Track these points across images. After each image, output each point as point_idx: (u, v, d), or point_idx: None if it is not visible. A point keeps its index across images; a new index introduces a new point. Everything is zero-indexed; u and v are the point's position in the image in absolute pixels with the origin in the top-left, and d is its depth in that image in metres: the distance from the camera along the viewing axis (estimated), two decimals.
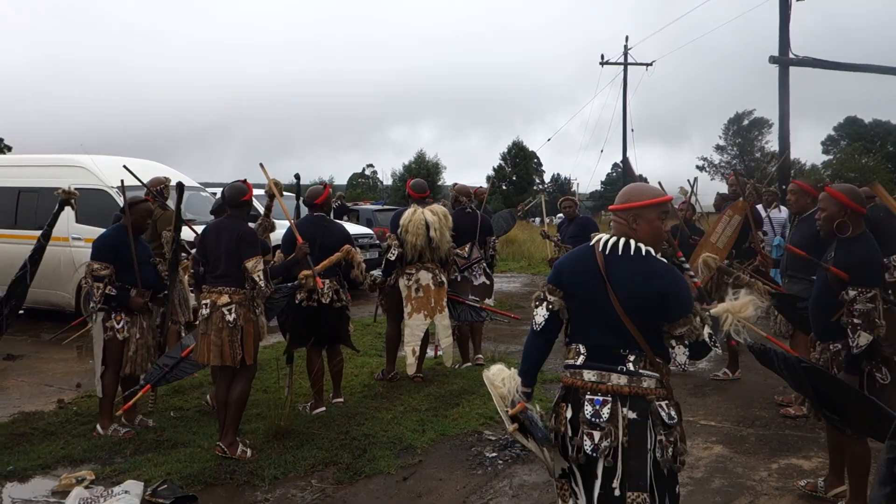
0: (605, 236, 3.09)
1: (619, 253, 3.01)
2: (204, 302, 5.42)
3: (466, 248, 8.06)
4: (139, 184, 7.67)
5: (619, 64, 35.26)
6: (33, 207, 10.73)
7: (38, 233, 10.40)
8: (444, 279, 7.29)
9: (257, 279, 5.28)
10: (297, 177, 7.69)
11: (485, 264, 8.22)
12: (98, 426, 5.89)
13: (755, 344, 3.89)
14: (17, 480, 5.06)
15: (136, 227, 5.95)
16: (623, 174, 37.26)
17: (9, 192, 10.98)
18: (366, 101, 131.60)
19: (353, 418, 6.18)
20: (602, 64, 35.28)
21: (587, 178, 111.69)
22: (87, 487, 4.78)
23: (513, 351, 9.03)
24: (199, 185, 12.56)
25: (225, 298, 5.33)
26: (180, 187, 5.89)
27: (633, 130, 35.49)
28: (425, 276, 7.16)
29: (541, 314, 3.11)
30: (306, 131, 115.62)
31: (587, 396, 2.96)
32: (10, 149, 51.78)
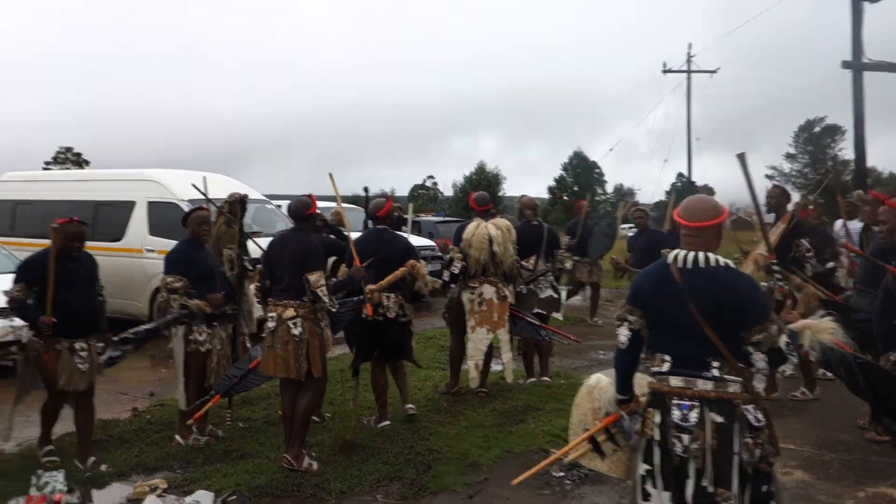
0: (679, 252, 3.26)
1: (695, 266, 3.19)
2: (270, 315, 5.50)
3: (532, 261, 7.99)
4: (206, 198, 7.80)
5: (683, 72, 34.76)
6: (109, 220, 11.09)
7: (115, 244, 10.79)
8: (507, 293, 7.26)
9: (320, 294, 5.33)
10: (366, 189, 7.71)
11: (552, 277, 8.12)
12: (177, 436, 6.03)
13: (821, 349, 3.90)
14: (94, 486, 5.21)
15: (195, 236, 6.07)
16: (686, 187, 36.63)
17: (86, 205, 11.35)
18: (427, 112, 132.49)
19: (417, 433, 6.18)
20: (664, 72, 34.84)
21: (651, 187, 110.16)
22: (159, 496, 4.89)
23: (578, 366, 8.94)
24: (264, 198, 12.79)
25: (290, 312, 5.40)
26: (242, 201, 6.00)
27: (697, 139, 34.95)
28: (488, 290, 7.14)
29: (623, 334, 3.33)
30: (369, 144, 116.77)
31: (674, 401, 3.14)
32: (88, 163, 53.76)
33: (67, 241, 5.53)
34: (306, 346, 5.38)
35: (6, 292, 5.47)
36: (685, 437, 3.09)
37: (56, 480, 5.01)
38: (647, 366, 3.35)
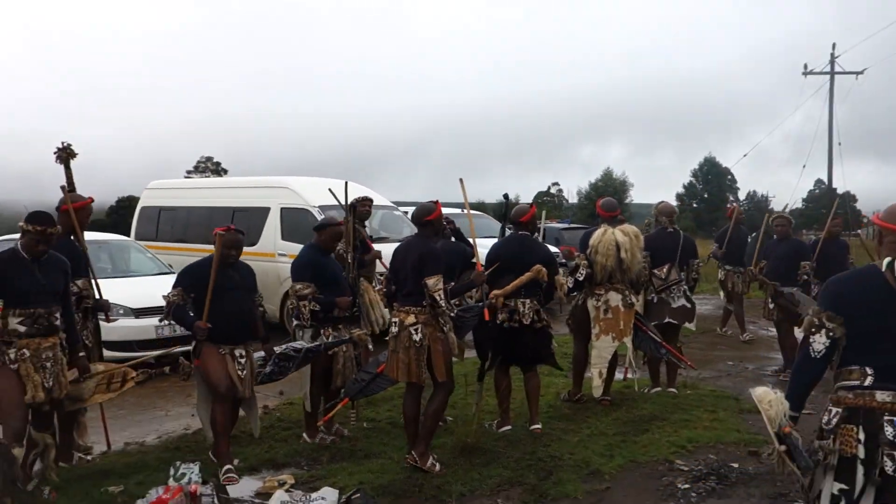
0: (891, 259, 3.10)
1: None
2: (394, 320, 5.59)
3: (665, 269, 7.76)
4: (340, 204, 8.05)
5: (825, 73, 33.01)
6: (245, 225, 11.60)
7: (250, 248, 11.30)
8: (633, 301, 7.10)
9: (437, 298, 5.36)
10: (506, 196, 7.66)
11: (685, 287, 7.83)
12: (305, 434, 6.23)
13: None
14: (219, 452, 5.47)
15: (325, 247, 6.26)
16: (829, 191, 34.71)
17: (225, 211, 11.94)
18: (554, 119, 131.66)
19: (539, 439, 6.13)
20: (805, 74, 33.20)
21: (787, 194, 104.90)
22: (287, 491, 5.05)
23: (705, 377, 8.62)
24: (391, 204, 13.06)
25: (412, 318, 5.46)
26: (353, 206, 6.14)
27: (839, 144, 32.98)
28: (615, 298, 7.00)
29: (820, 342, 3.15)
30: (495, 151, 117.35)
31: (886, 417, 2.99)
32: (226, 171, 56.54)
33: (225, 248, 5.55)
34: (427, 351, 5.44)
35: (164, 296, 5.60)
36: None
37: (192, 472, 5.27)
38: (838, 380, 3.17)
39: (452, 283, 6.00)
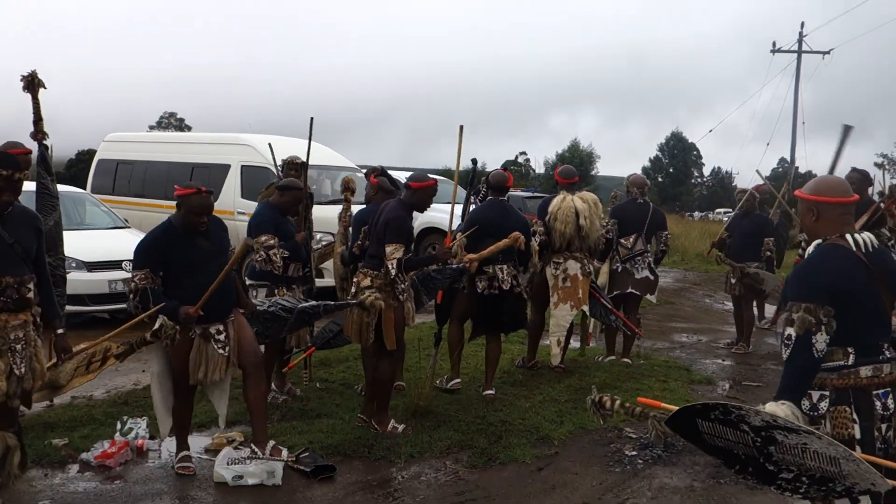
0: (852, 235, 3.05)
1: (872, 247, 3.05)
2: (354, 280, 5.56)
3: (631, 239, 7.78)
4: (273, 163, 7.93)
5: (793, 52, 33.24)
6: (204, 182, 11.39)
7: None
8: (591, 270, 7.13)
9: (390, 266, 5.25)
10: (475, 161, 7.58)
11: (650, 259, 7.84)
12: None
13: None
14: (175, 435, 5.39)
15: (282, 207, 6.04)
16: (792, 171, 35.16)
17: (184, 167, 11.73)
18: (525, 87, 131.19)
19: (490, 404, 6.16)
20: (773, 52, 33.41)
21: (751, 172, 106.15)
22: (235, 448, 5.01)
23: (659, 348, 8.73)
24: (354, 166, 12.94)
25: (367, 282, 5.40)
26: (305, 165, 6.22)
27: (804, 123, 33.32)
28: (573, 266, 7.01)
29: (822, 340, 2.93)
30: (466, 118, 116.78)
31: (874, 392, 2.98)
32: (189, 128, 55.64)
33: (192, 215, 4.64)
34: (377, 317, 5.35)
35: (126, 281, 4.86)
36: (883, 427, 2.95)
37: (139, 427, 5.22)
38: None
39: (410, 255, 5.74)
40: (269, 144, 7.93)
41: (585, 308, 7.09)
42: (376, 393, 5.53)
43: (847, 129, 6.04)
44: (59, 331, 4.38)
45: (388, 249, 5.26)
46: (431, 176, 5.92)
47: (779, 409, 2.82)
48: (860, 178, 6.83)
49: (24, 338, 3.95)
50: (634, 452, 5.28)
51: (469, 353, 6.76)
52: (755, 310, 9.77)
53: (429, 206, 5.73)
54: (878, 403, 2.96)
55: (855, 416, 2.95)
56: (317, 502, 4.45)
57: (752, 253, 8.60)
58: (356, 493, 4.57)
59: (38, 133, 5.44)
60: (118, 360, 4.89)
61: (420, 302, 6.16)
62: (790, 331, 2.95)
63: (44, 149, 5.64)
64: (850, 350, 2.98)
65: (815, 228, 3.11)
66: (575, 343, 7.93)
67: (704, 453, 3.25)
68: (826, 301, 2.92)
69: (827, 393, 3.00)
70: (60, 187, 10.82)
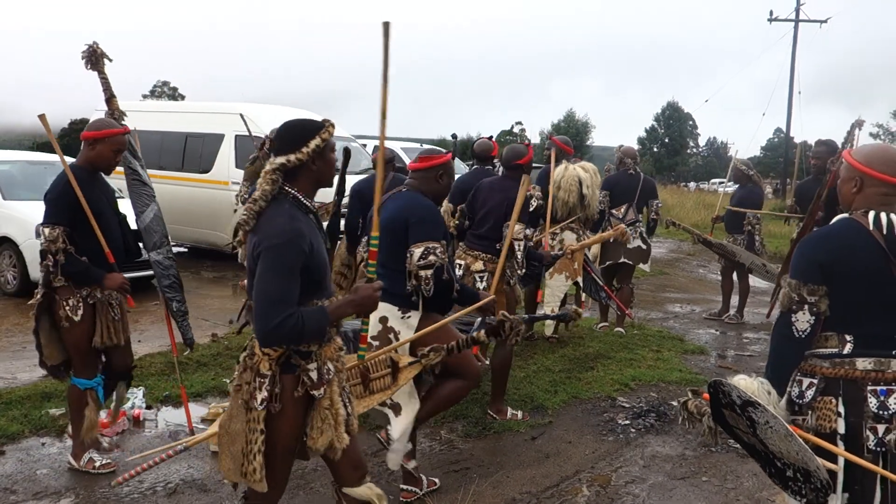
0: (878, 214, 2.71)
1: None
2: (458, 262, 5.27)
3: (622, 209, 7.81)
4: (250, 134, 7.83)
5: (790, 21, 33.03)
6: (198, 152, 11.38)
7: (203, 175, 11.06)
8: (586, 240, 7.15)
9: (517, 246, 5.06)
10: (455, 136, 7.55)
11: (642, 228, 7.89)
12: None
13: None
14: (171, 405, 5.44)
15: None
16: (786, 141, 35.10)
17: (178, 136, 11.66)
18: (527, 54, 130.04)
19: (486, 374, 6.18)
20: (770, 20, 33.18)
21: (746, 142, 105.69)
22: None
23: (653, 318, 8.78)
24: (350, 136, 12.87)
25: (479, 265, 5.21)
26: (347, 152, 5.38)
27: (799, 93, 33.29)
28: (569, 237, 7.03)
29: (804, 320, 2.74)
30: (465, 85, 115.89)
31: (869, 388, 2.70)
32: (183, 98, 55.25)
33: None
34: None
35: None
36: (881, 428, 2.66)
37: (136, 397, 5.25)
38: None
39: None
40: (241, 115, 7.76)
41: (580, 279, 7.12)
42: (495, 380, 5.34)
43: (856, 125, 5.99)
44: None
45: (517, 228, 5.05)
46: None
47: (742, 381, 2.68)
48: (826, 152, 6.84)
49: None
50: (627, 421, 5.34)
51: None
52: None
53: None
54: (872, 400, 2.69)
55: (840, 410, 2.72)
56: (309, 471, 4.48)
57: (738, 225, 8.63)
58: None
59: (114, 111, 4.70)
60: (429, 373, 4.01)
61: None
62: (778, 307, 2.83)
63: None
64: (847, 338, 2.75)
65: (852, 200, 2.80)
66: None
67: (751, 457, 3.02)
68: (814, 279, 2.71)
69: (816, 381, 2.79)
70: (53, 157, 10.83)
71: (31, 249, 8.42)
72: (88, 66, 4.79)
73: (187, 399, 5.04)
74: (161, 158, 11.55)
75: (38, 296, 4.19)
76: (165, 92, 56.99)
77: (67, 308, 4.13)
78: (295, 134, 2.80)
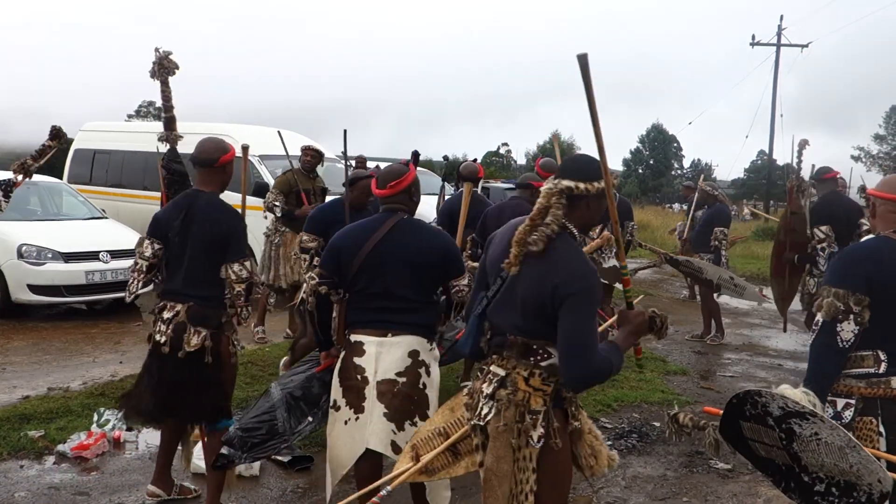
0: None
1: None
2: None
3: (596, 230, 7.87)
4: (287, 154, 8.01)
5: (772, 45, 33.48)
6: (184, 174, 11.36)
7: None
8: None
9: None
10: (446, 158, 7.65)
11: (615, 248, 7.98)
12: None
13: None
14: (151, 427, 5.38)
15: (355, 204, 5.25)
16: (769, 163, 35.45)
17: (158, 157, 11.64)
18: (515, 78, 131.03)
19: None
20: (753, 45, 33.63)
21: (730, 164, 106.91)
22: None
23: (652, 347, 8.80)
24: (335, 157, 12.90)
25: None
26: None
27: (782, 115, 33.62)
28: None
29: (849, 329, 2.75)
30: (454, 109, 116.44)
31: None
32: None
33: (362, 195, 5.23)
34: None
35: (306, 291, 3.71)
36: None
37: (116, 419, 5.21)
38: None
39: None
40: (279, 132, 7.88)
41: None
42: None
43: (802, 144, 6.39)
44: None
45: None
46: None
47: (789, 390, 2.58)
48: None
49: None
50: (609, 442, 5.34)
51: None
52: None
53: None
54: None
55: (882, 429, 2.72)
56: (294, 491, 4.46)
57: (704, 243, 8.81)
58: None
59: (171, 127, 4.54)
60: None
61: None
62: (819, 316, 2.79)
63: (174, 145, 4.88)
64: (881, 357, 2.77)
65: (873, 223, 3.00)
66: None
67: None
68: (860, 289, 2.73)
69: (853, 401, 2.79)
70: (37, 177, 10.80)
71: (12, 270, 8.38)
72: (154, 76, 4.62)
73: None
74: (145, 179, 11.53)
75: None
76: (151, 112, 56.85)
77: None
78: (587, 165, 2.66)
